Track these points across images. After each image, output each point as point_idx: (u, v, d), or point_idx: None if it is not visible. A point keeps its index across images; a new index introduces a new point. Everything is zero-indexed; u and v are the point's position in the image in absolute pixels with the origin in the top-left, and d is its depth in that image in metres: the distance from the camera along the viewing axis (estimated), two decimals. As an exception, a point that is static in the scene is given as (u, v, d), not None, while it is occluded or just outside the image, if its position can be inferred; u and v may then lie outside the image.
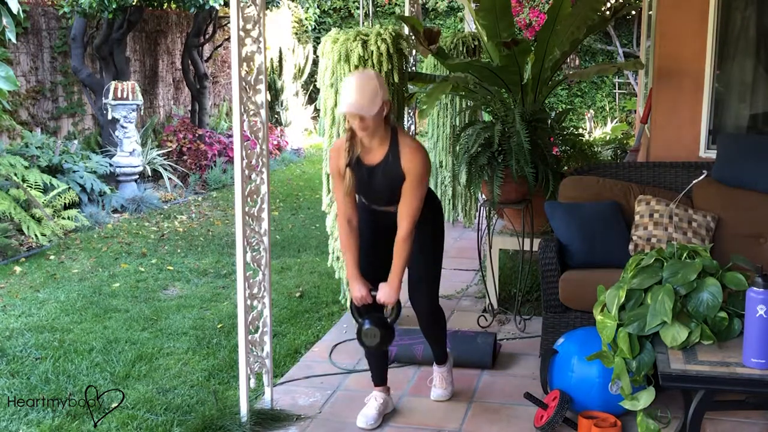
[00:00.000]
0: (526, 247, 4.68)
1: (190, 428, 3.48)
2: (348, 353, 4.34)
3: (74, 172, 7.84)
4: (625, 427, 3.37)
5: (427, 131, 7.13)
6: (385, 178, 3.31)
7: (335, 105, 4.36)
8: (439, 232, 3.55)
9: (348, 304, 3.52)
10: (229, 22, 5.61)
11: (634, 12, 11.13)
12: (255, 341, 3.54)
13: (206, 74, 11.13)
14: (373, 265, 3.46)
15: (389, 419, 3.59)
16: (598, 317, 3.10)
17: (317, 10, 15.28)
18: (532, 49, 4.58)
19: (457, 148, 4.70)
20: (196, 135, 10.20)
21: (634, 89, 12.09)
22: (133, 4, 8.95)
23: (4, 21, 4.50)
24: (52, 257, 6.49)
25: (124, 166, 8.58)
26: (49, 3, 9.30)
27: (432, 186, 6.97)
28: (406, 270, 3.43)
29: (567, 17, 4.45)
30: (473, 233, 6.13)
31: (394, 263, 3.36)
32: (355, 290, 3.42)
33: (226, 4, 9.20)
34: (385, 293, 3.38)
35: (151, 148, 9.43)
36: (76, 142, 8.58)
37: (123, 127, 8.61)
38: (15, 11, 4.43)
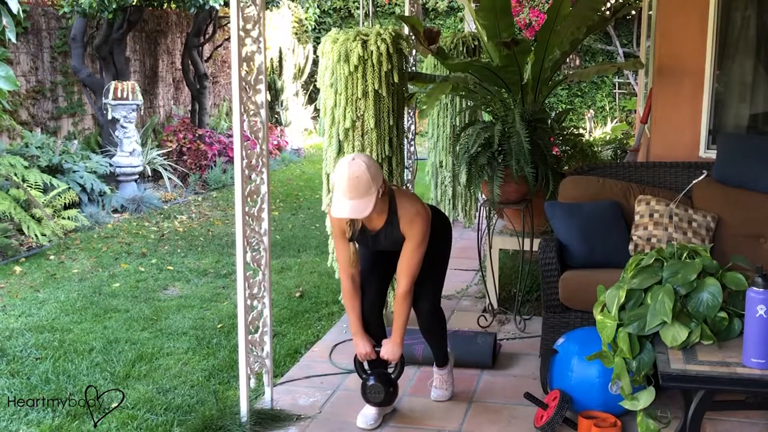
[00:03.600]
0: (526, 247, 4.68)
1: (190, 428, 3.48)
2: (348, 353, 4.33)
3: (74, 172, 7.84)
4: (625, 427, 3.37)
5: (427, 131, 7.13)
6: (388, 240, 3.40)
7: (335, 105, 4.36)
8: (446, 244, 3.60)
9: (352, 358, 3.61)
10: (229, 22, 5.61)
11: (634, 12, 11.13)
12: (255, 341, 3.53)
13: (206, 74, 11.13)
14: (375, 274, 3.53)
15: (389, 419, 3.59)
16: (598, 317, 3.10)
17: (317, 10, 15.28)
18: (532, 49, 4.58)
19: (457, 148, 4.70)
20: (196, 135, 10.20)
21: (634, 89, 12.09)
22: (133, 4, 8.95)
23: (4, 21, 4.49)
24: (52, 257, 6.49)
25: (124, 166, 8.58)
26: (49, 3, 9.29)
27: (432, 186, 6.97)
28: None
29: (567, 17, 4.45)
30: (473, 233, 6.13)
31: (395, 322, 3.44)
32: (359, 347, 3.51)
33: (226, 4, 9.20)
34: (388, 350, 3.48)
35: (151, 148, 9.43)
36: (76, 142, 8.59)
37: (123, 127, 8.61)
38: (15, 11, 4.43)
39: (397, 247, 3.38)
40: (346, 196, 3.16)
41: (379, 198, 3.22)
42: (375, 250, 3.53)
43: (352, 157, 3.20)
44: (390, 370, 3.58)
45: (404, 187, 4.77)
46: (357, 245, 3.48)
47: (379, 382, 3.46)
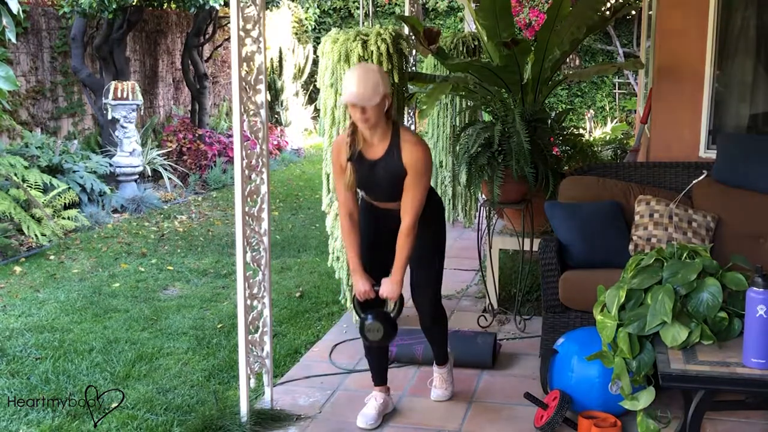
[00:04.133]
0: (526, 247, 4.68)
1: (190, 428, 3.48)
2: (348, 353, 4.34)
3: (74, 172, 7.84)
4: (625, 427, 3.37)
5: (427, 131, 7.13)
6: (387, 173, 3.31)
7: (335, 105, 4.36)
8: (440, 231, 3.56)
9: (350, 298, 3.53)
10: (229, 22, 5.62)
11: (634, 12, 11.13)
12: (255, 341, 3.54)
13: (206, 74, 11.13)
14: (374, 265, 3.47)
15: (389, 419, 3.59)
16: (598, 317, 3.10)
17: (317, 10, 15.28)
18: (532, 49, 4.58)
19: (457, 148, 4.70)
20: (196, 135, 10.20)
21: (634, 89, 12.09)
22: (133, 4, 8.95)
23: (4, 21, 4.49)
24: (52, 257, 6.49)
25: (124, 166, 8.58)
26: (49, 3, 9.29)
27: (432, 186, 6.97)
28: (408, 269, 3.44)
29: (567, 17, 4.45)
30: (473, 233, 6.13)
31: (397, 257, 3.35)
32: (358, 285, 3.42)
33: (226, 4, 9.20)
34: (387, 288, 3.38)
35: (151, 148, 9.43)
36: (76, 142, 8.59)
37: (123, 127, 8.60)
38: (15, 11, 4.43)
39: (393, 184, 3.31)
40: (354, 85, 3.16)
41: (383, 111, 3.21)
42: (372, 206, 3.45)
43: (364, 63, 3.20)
44: (389, 311, 3.48)
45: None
46: (352, 174, 3.37)
47: (378, 321, 3.36)
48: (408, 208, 3.29)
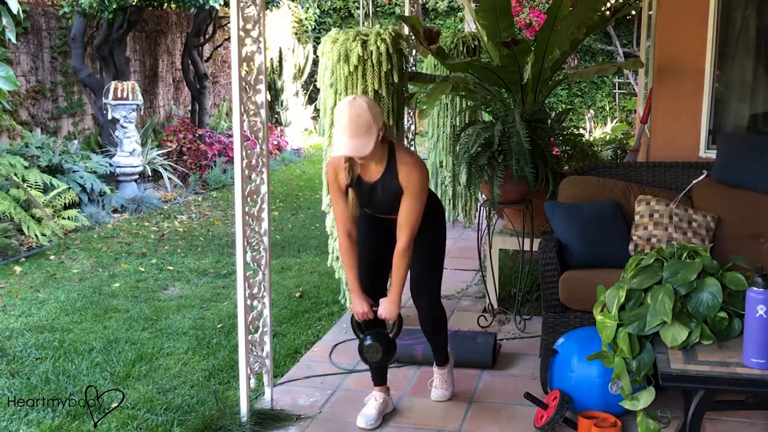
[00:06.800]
0: (526, 247, 4.68)
1: (190, 428, 3.48)
2: (348, 353, 4.34)
3: (74, 172, 7.84)
4: (625, 427, 3.37)
5: (427, 131, 7.13)
6: (385, 193, 3.34)
7: (335, 105, 4.36)
8: (440, 232, 3.56)
9: (349, 318, 3.55)
10: (229, 22, 5.61)
11: (634, 12, 11.12)
12: (255, 341, 3.53)
13: (206, 74, 11.13)
14: (374, 268, 3.50)
15: (389, 419, 3.59)
16: (598, 317, 3.10)
17: (317, 10, 15.28)
18: (532, 49, 4.58)
19: (457, 148, 4.70)
20: (196, 135, 10.20)
21: (634, 89, 12.09)
22: (133, 4, 8.95)
23: (4, 21, 4.49)
24: (52, 257, 6.49)
25: (124, 166, 8.58)
26: (49, 3, 9.30)
27: (432, 186, 6.97)
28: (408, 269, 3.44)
29: (567, 17, 4.45)
30: (473, 233, 6.13)
31: (394, 277, 3.39)
32: (356, 306, 3.45)
33: (226, 4, 9.20)
34: (386, 309, 3.41)
35: (151, 148, 9.43)
36: (76, 142, 8.58)
37: (123, 127, 8.61)
38: (15, 11, 4.43)
39: (392, 203, 3.32)
40: (346, 134, 3.13)
41: (379, 142, 3.19)
42: (372, 215, 3.46)
43: (353, 97, 3.18)
44: (388, 331, 3.50)
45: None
46: (354, 198, 3.40)
47: (377, 341, 3.39)
48: (404, 226, 3.31)
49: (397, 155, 3.30)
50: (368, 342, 3.41)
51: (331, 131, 4.43)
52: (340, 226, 3.44)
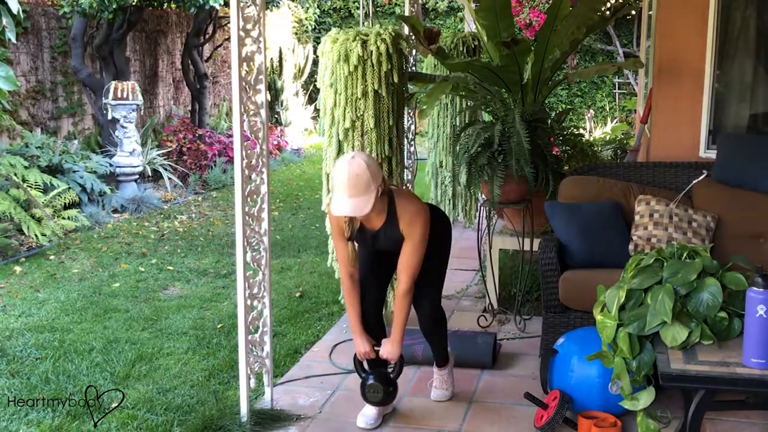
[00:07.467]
0: (526, 247, 4.67)
1: (190, 428, 3.48)
2: (348, 353, 4.33)
3: (74, 172, 7.84)
4: (625, 427, 3.37)
5: (427, 131, 7.13)
6: (388, 240, 3.39)
7: (335, 105, 4.36)
8: (446, 243, 3.60)
9: (351, 358, 3.62)
10: (229, 22, 5.61)
11: (634, 12, 11.12)
12: (255, 341, 3.53)
13: (206, 74, 11.13)
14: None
15: (389, 419, 3.59)
16: (598, 317, 3.10)
17: (317, 10, 15.28)
18: (532, 49, 4.58)
19: (457, 148, 4.70)
20: (196, 135, 10.20)
21: (634, 89, 12.09)
22: (133, 4, 8.95)
23: (4, 21, 4.50)
24: (52, 257, 6.49)
25: (124, 166, 8.58)
26: (49, 3, 9.29)
27: (432, 186, 6.97)
28: None
29: (567, 17, 4.45)
30: (473, 233, 6.13)
31: (395, 319, 3.43)
32: (358, 345, 3.50)
33: (226, 4, 9.20)
34: (388, 350, 3.47)
35: (151, 148, 9.43)
36: (76, 142, 8.58)
37: (123, 127, 8.60)
38: (15, 11, 4.43)
39: (396, 247, 3.38)
40: (345, 194, 3.15)
41: (379, 197, 3.21)
42: (375, 250, 3.52)
43: (352, 155, 3.20)
44: (390, 370, 3.58)
45: (404, 187, 4.77)
46: (356, 245, 3.48)
47: (378, 382, 3.46)
48: (404, 270, 3.35)
49: (397, 204, 3.33)
50: (370, 382, 3.48)
51: (331, 131, 4.43)
52: (342, 268, 3.50)
